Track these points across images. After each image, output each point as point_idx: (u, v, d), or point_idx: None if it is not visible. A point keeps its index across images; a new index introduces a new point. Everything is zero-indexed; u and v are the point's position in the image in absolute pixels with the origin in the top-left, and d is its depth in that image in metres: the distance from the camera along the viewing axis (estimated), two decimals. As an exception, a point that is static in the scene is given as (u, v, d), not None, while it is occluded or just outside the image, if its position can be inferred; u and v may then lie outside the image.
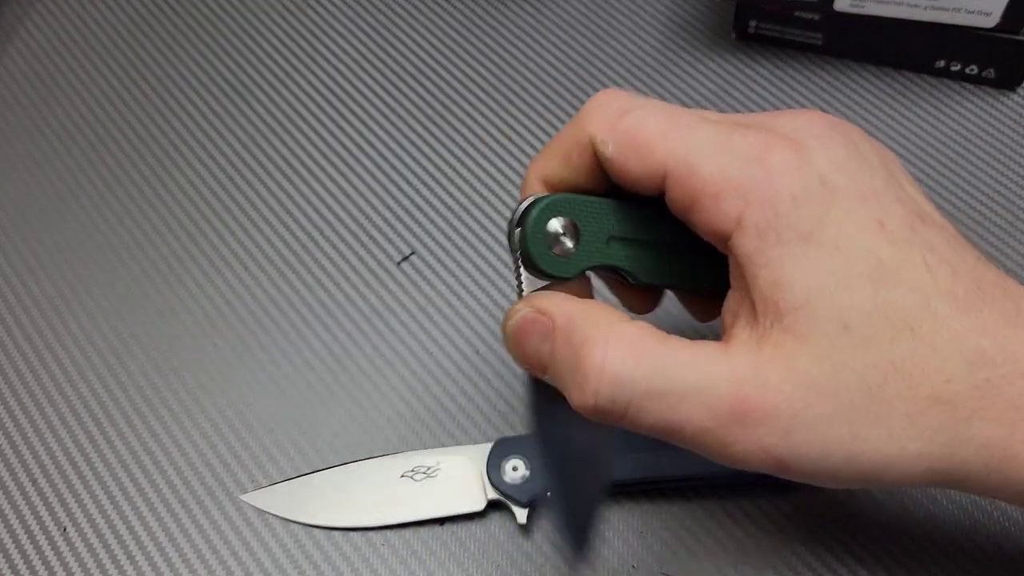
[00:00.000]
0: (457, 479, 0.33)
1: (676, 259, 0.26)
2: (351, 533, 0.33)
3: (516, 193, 0.42)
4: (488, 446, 0.33)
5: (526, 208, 0.25)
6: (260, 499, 0.34)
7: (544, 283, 0.25)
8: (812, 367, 0.22)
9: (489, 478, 0.32)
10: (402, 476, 0.34)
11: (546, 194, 0.25)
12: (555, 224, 0.24)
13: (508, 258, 0.40)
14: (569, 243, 0.24)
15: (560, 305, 0.24)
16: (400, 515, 0.33)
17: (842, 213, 0.22)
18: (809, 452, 0.22)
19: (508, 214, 0.41)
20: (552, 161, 0.25)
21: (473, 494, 0.33)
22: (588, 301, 0.24)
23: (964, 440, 0.22)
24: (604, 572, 0.32)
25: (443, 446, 0.35)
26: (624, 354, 0.22)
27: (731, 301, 0.24)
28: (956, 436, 0.22)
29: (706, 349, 0.23)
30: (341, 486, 0.34)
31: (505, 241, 0.41)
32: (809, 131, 0.23)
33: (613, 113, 0.24)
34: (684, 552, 0.32)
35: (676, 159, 0.23)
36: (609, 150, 0.23)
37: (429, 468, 0.34)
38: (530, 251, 0.24)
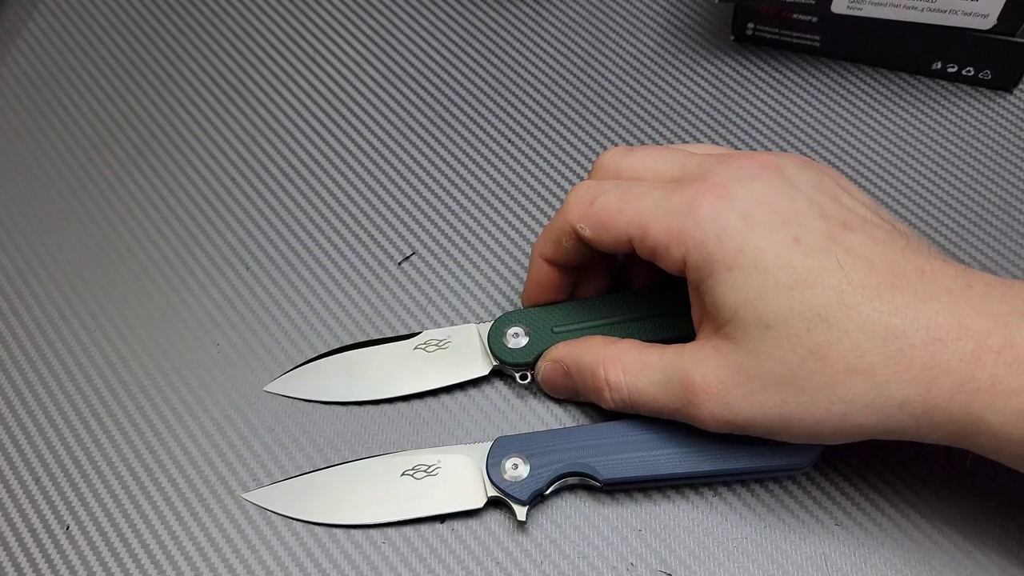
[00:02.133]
0: (457, 477, 0.33)
1: (619, 331, 0.34)
2: (352, 531, 0.34)
3: (517, 193, 0.42)
4: (488, 444, 0.33)
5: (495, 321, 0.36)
6: (262, 497, 0.34)
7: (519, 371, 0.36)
8: (740, 359, 0.28)
9: (489, 476, 0.33)
10: (403, 474, 0.34)
11: (506, 312, 0.36)
12: (512, 329, 0.35)
13: (507, 257, 0.40)
14: (522, 340, 0.35)
15: (566, 351, 0.34)
16: (401, 513, 0.33)
17: (760, 238, 0.28)
18: (751, 415, 0.29)
19: (508, 214, 0.42)
20: (548, 245, 0.33)
21: (473, 492, 0.33)
22: (585, 339, 0.34)
23: (884, 400, 0.27)
24: (603, 570, 0.32)
25: (444, 444, 0.35)
26: (615, 368, 0.32)
27: (694, 314, 0.31)
28: (877, 397, 0.27)
29: (670, 351, 0.31)
30: (342, 484, 0.34)
31: (507, 242, 0.41)
32: (737, 175, 0.29)
33: (585, 203, 0.31)
34: (683, 550, 0.33)
35: (632, 227, 0.30)
36: (587, 233, 0.31)
37: (430, 466, 0.34)
38: (492, 348, 0.35)
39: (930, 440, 0.28)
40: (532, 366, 0.35)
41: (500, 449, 0.33)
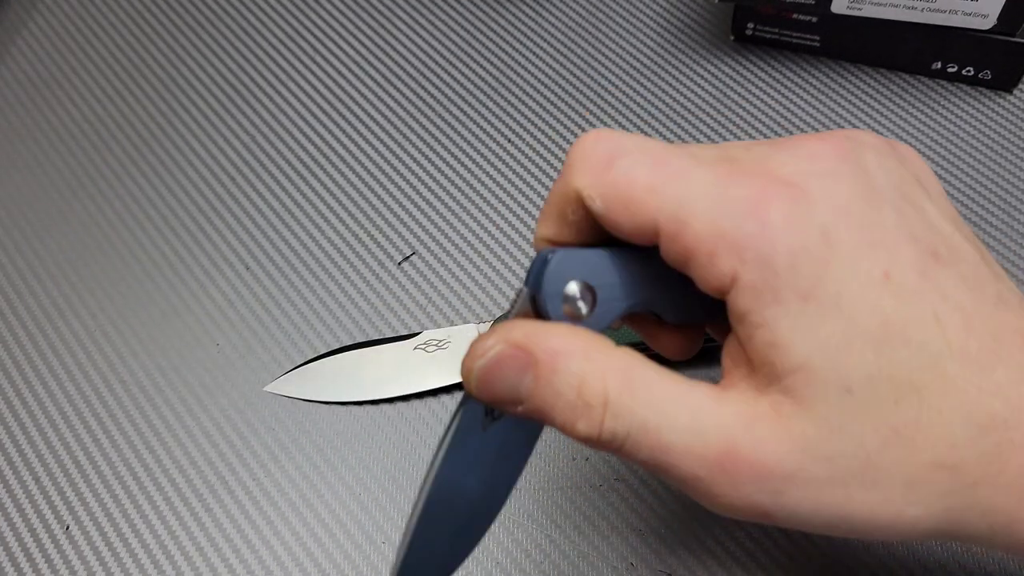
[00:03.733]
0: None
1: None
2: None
3: (516, 194, 0.42)
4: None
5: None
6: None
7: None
8: (808, 430, 0.21)
9: (546, 307, 0.26)
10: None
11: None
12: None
13: (507, 257, 0.40)
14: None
15: (537, 338, 0.22)
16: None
17: (845, 267, 0.21)
18: (799, 510, 0.21)
19: (508, 214, 0.41)
20: (550, 225, 0.24)
21: None
22: (564, 328, 0.22)
23: (968, 505, 0.21)
24: (604, 570, 0.32)
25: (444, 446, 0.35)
26: (621, 386, 0.21)
27: (731, 346, 0.23)
28: (959, 501, 0.21)
29: (700, 389, 0.22)
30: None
31: (507, 242, 0.41)
32: (812, 169, 0.22)
33: (599, 163, 0.22)
34: (683, 550, 0.33)
35: (666, 215, 0.21)
36: (597, 205, 0.22)
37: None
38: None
39: (998, 550, 0.23)
40: None
41: (561, 270, 0.23)
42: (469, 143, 0.44)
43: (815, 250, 0.20)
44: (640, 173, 0.22)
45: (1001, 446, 0.21)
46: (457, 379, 0.36)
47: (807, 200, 0.21)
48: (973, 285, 0.22)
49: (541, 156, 0.43)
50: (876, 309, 0.20)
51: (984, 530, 0.21)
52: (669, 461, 0.21)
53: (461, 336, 0.37)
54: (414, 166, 0.44)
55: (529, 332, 0.22)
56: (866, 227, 0.21)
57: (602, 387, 0.21)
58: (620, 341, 0.23)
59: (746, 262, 0.21)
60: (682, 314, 0.24)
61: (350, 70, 0.47)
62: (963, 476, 0.21)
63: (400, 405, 0.36)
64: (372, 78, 0.47)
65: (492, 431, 0.24)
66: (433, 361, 0.36)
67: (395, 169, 0.43)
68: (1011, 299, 0.22)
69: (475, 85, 0.46)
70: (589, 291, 0.23)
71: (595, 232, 0.24)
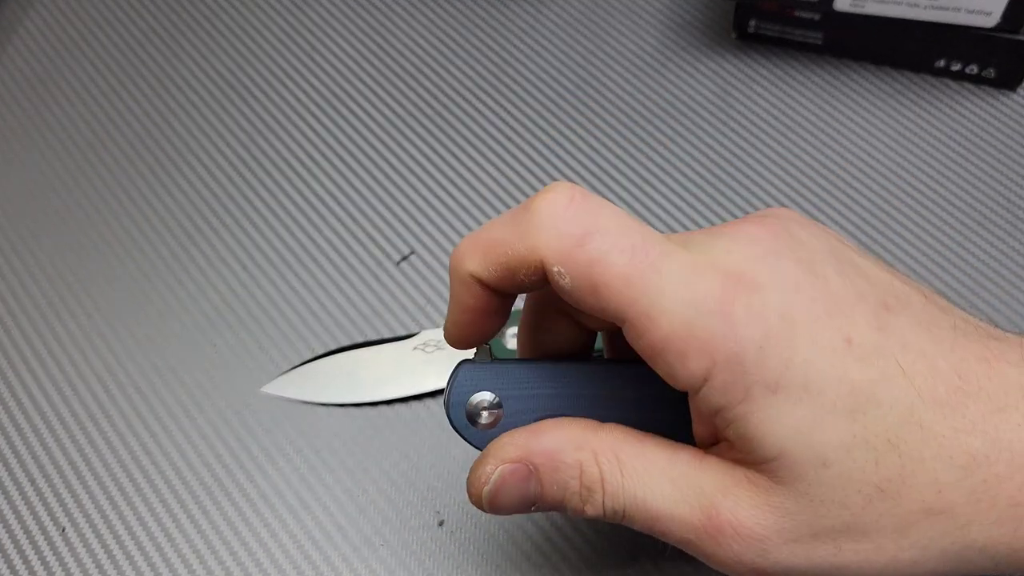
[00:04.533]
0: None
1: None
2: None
3: (517, 193, 0.42)
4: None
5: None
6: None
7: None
8: (786, 503, 0.22)
9: (449, 416, 0.26)
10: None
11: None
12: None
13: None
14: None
15: (530, 445, 0.24)
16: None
17: (807, 345, 0.21)
18: (791, 565, 0.22)
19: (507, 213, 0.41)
20: (491, 268, 0.23)
21: None
22: (549, 424, 0.24)
23: (964, 546, 0.21)
24: (605, 571, 0.32)
25: (442, 448, 0.35)
26: (611, 465, 0.23)
27: (699, 430, 0.23)
28: (955, 543, 0.21)
29: (683, 455, 0.23)
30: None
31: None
32: (755, 253, 0.22)
33: (571, 237, 0.21)
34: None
35: (637, 310, 0.21)
36: (566, 282, 0.22)
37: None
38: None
39: (1008, 573, 0.23)
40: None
41: (468, 381, 0.25)
42: (468, 141, 0.44)
43: (778, 335, 0.21)
44: (617, 261, 0.21)
45: (988, 482, 0.21)
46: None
47: (760, 288, 0.21)
48: (928, 325, 0.22)
49: (541, 154, 0.43)
50: (843, 379, 0.21)
51: (988, 563, 0.22)
52: (662, 528, 0.23)
53: None
54: (412, 165, 0.43)
55: (520, 443, 0.24)
56: (819, 299, 0.22)
57: (597, 471, 0.23)
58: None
59: (717, 363, 0.21)
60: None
61: (348, 68, 0.47)
62: (955, 519, 0.21)
63: (399, 407, 0.36)
64: (370, 76, 0.47)
65: None
66: (432, 361, 0.36)
67: (393, 168, 0.43)
68: (966, 327, 0.23)
69: (474, 83, 0.46)
70: (496, 402, 0.24)
71: (536, 287, 0.23)
